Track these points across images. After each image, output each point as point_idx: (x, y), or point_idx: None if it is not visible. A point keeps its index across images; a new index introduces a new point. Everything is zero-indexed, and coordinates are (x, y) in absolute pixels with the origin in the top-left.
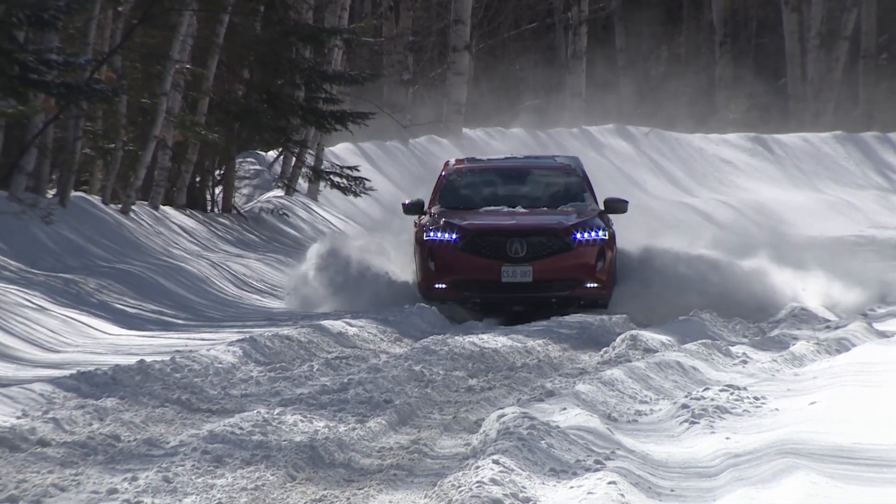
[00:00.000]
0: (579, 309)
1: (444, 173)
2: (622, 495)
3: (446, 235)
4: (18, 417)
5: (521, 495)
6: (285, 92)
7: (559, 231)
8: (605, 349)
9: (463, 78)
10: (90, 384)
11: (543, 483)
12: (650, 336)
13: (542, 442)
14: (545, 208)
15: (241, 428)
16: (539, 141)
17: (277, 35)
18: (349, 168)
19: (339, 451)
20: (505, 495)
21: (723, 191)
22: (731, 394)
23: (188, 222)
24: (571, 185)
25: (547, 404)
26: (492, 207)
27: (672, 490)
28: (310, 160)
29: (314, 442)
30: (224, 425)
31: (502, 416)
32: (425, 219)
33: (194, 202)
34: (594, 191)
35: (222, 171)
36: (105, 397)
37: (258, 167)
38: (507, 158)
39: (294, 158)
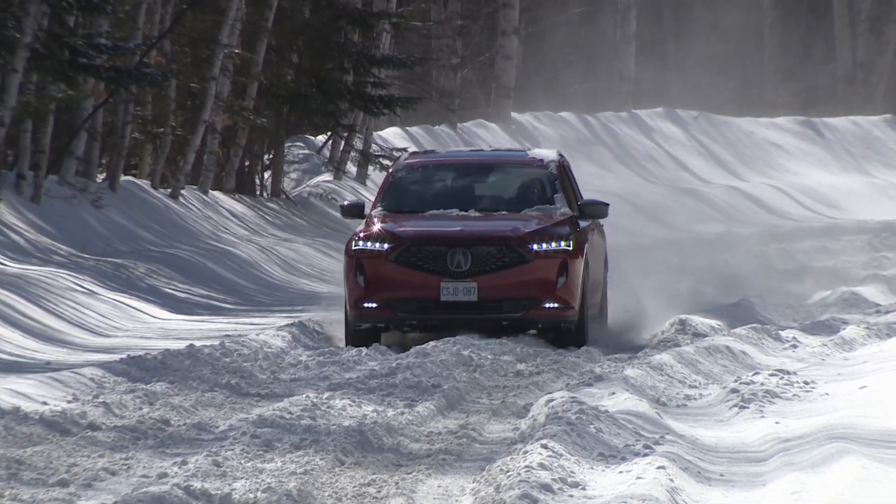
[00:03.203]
0: (540, 337)
1: (391, 170)
2: (671, 480)
3: (377, 245)
4: (69, 401)
5: (569, 480)
6: (334, 76)
7: (511, 240)
8: (653, 333)
9: (511, 62)
10: (140, 368)
11: (592, 468)
12: (699, 320)
13: (591, 426)
14: (504, 212)
15: (290, 412)
16: (588, 125)
17: (326, 19)
18: (398, 151)
19: (387, 436)
20: (553, 480)
21: (772, 174)
22: (781, 378)
23: (237, 207)
24: (541, 184)
25: (596, 389)
26: (440, 211)
27: (721, 475)
28: (358, 144)
29: (363, 426)
30: (273, 409)
31: (551, 400)
32: (360, 225)
33: (243, 186)
34: (576, 191)
35: (271, 156)
36: (155, 381)
37: (307, 151)
38: (471, 152)
39: (343, 142)
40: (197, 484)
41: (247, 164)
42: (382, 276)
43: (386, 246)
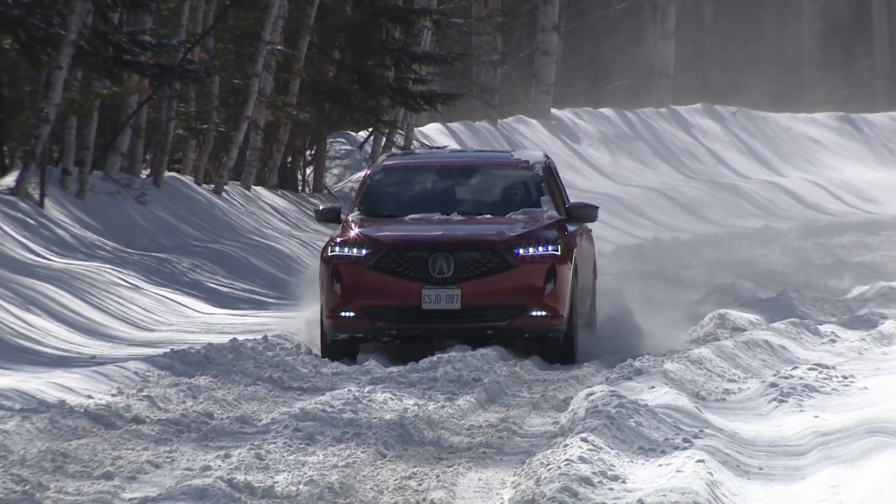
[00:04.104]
0: (529, 349)
1: (369, 172)
2: (710, 473)
3: (355, 251)
4: (114, 395)
5: (609, 473)
6: (375, 72)
7: (497, 245)
8: (692, 328)
9: (551, 58)
10: (183, 362)
11: (632, 461)
12: (738, 315)
13: (631, 420)
14: (489, 216)
15: (331, 406)
16: (627, 121)
17: (368, 16)
18: (438, 148)
19: (428, 429)
20: (593, 473)
21: (810, 170)
22: (820, 372)
23: (279, 202)
24: (526, 186)
25: (635, 383)
26: (421, 215)
27: (760, 468)
28: (399, 140)
29: (404, 420)
30: (315, 403)
31: (591, 394)
32: (337, 230)
33: (285, 182)
34: (563, 194)
35: (313, 152)
36: (198, 375)
37: (349, 147)
38: (452, 153)
39: (384, 138)
40: (240, 477)
41: (289, 159)
42: (360, 284)
43: (364, 252)
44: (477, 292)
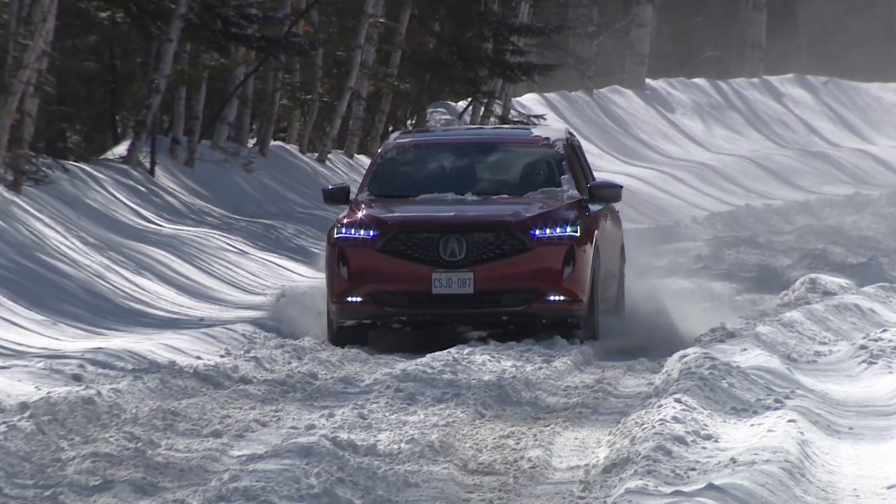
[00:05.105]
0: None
1: (380, 150)
2: (801, 433)
3: (363, 232)
4: (222, 356)
5: (702, 433)
6: (474, 44)
7: (511, 226)
8: (784, 292)
9: (646, 30)
10: (289, 325)
11: (724, 421)
12: (829, 279)
13: (723, 381)
14: (505, 196)
15: (432, 367)
16: (720, 91)
17: None
18: (535, 117)
19: (525, 390)
20: (687, 433)
21: None
22: None
23: None
24: (546, 164)
25: (728, 345)
26: (433, 195)
27: (850, 428)
28: (497, 110)
29: (502, 381)
30: (416, 364)
31: (684, 356)
32: (344, 211)
33: None
34: (586, 173)
35: (414, 121)
36: (303, 337)
37: (448, 117)
38: (468, 130)
39: (482, 108)
40: (343, 435)
41: (390, 129)
42: (368, 268)
43: (372, 233)
44: (491, 276)
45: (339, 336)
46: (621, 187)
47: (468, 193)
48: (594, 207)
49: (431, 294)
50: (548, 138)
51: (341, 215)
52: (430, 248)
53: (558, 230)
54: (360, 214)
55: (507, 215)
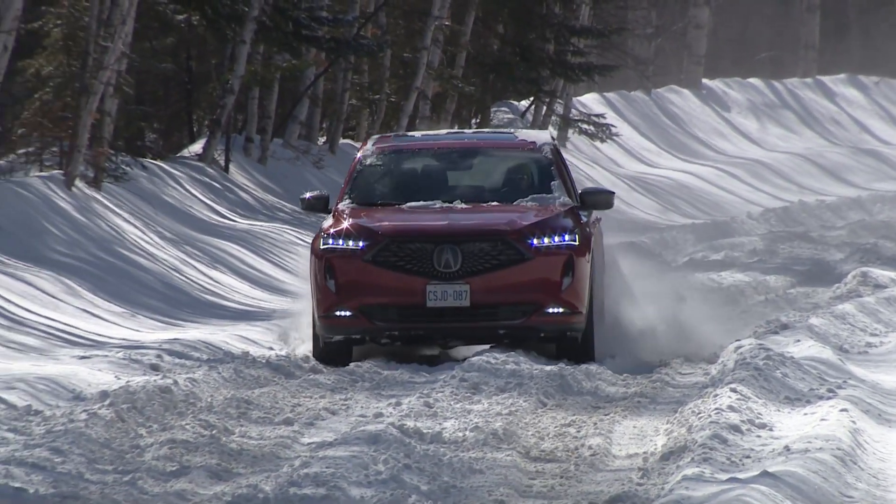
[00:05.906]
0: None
1: (359, 155)
2: (853, 422)
3: (351, 243)
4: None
5: (757, 421)
6: (536, 45)
7: (508, 234)
8: (836, 285)
9: (703, 31)
10: None
11: (778, 410)
12: (880, 273)
13: (777, 372)
14: (495, 203)
15: (495, 357)
16: (774, 90)
17: None
18: (596, 116)
19: (586, 380)
20: (742, 421)
21: None
22: None
23: None
24: (536, 170)
25: (782, 336)
26: (420, 203)
27: None
28: (559, 109)
29: (563, 371)
30: (480, 355)
31: (739, 347)
32: (328, 220)
33: None
34: (571, 178)
35: (478, 120)
36: None
37: (511, 116)
38: (450, 134)
39: (544, 107)
40: (410, 423)
41: (455, 127)
42: (357, 280)
43: (361, 244)
44: (487, 288)
45: (325, 352)
46: (613, 194)
47: (457, 201)
48: (583, 215)
49: (426, 307)
50: (534, 142)
51: (326, 224)
52: (424, 259)
53: (556, 239)
54: (346, 224)
55: (503, 224)
